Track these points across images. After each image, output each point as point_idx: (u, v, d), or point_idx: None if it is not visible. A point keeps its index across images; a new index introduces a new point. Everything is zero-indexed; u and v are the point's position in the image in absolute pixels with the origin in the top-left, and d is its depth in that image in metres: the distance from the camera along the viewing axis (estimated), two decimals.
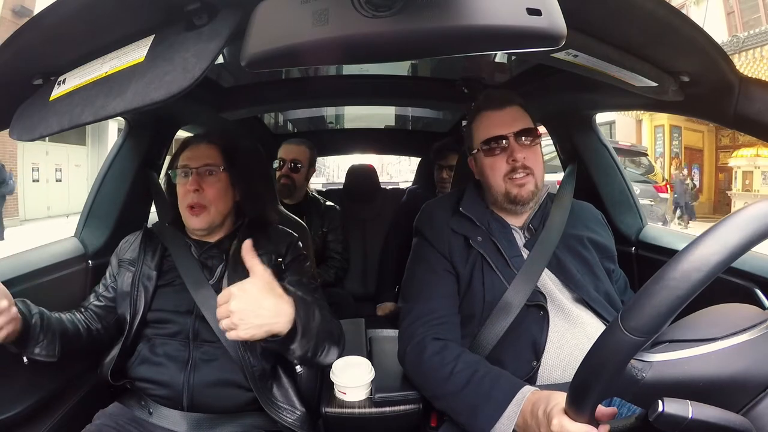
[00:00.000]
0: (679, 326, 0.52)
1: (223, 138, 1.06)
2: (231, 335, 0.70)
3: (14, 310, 0.79)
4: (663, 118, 10.99)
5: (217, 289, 0.96)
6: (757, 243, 0.42)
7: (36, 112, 0.64)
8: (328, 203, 2.03)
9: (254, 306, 0.70)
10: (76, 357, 1.04)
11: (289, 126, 2.57)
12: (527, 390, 0.74)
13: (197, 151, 1.02)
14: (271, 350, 0.89)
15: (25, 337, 0.83)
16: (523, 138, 0.94)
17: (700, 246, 0.43)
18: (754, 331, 0.49)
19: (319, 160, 2.19)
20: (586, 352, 0.49)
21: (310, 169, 1.96)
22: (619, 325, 0.45)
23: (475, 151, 0.99)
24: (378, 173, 2.53)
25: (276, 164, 1.91)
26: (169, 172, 1.04)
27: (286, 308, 0.74)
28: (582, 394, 0.52)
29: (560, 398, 0.63)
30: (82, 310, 1.01)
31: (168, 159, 1.14)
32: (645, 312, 0.44)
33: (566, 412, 0.58)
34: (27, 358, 0.85)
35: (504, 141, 0.94)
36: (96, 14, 0.56)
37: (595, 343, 0.49)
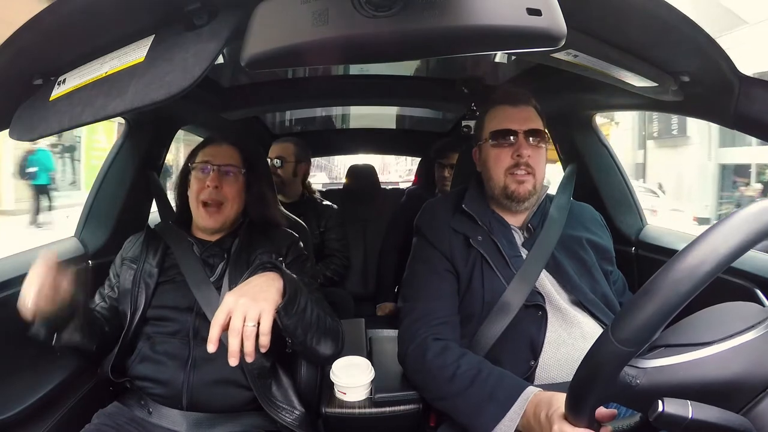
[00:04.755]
0: (675, 330, 0.52)
1: (242, 142, 1.09)
2: (248, 350, 0.69)
3: (68, 291, 0.81)
4: None
5: (218, 287, 0.96)
6: (745, 251, 0.42)
7: (36, 112, 0.64)
8: (325, 202, 2.02)
9: (249, 290, 0.74)
10: (76, 356, 1.04)
11: (290, 126, 2.57)
12: (531, 391, 0.74)
13: (219, 150, 1.04)
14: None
15: (67, 320, 0.85)
16: (532, 138, 0.94)
17: (688, 256, 0.43)
18: (752, 333, 0.49)
19: (327, 158, 2.19)
20: (581, 360, 0.50)
21: (299, 165, 1.93)
22: (609, 336, 0.46)
23: (483, 141, 0.99)
24: (380, 172, 2.53)
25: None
26: (189, 164, 1.05)
27: (275, 280, 0.78)
28: (579, 399, 0.52)
29: (561, 402, 0.63)
30: None
31: (167, 158, 1.14)
32: (634, 324, 0.44)
33: (565, 417, 0.58)
34: (60, 346, 0.86)
35: (513, 136, 0.94)
36: (96, 14, 0.56)
37: (588, 353, 0.49)
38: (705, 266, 0.42)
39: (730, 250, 0.41)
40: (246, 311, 0.70)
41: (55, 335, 0.85)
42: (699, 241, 0.43)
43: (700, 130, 10.97)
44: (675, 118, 11.42)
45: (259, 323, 0.70)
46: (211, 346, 0.68)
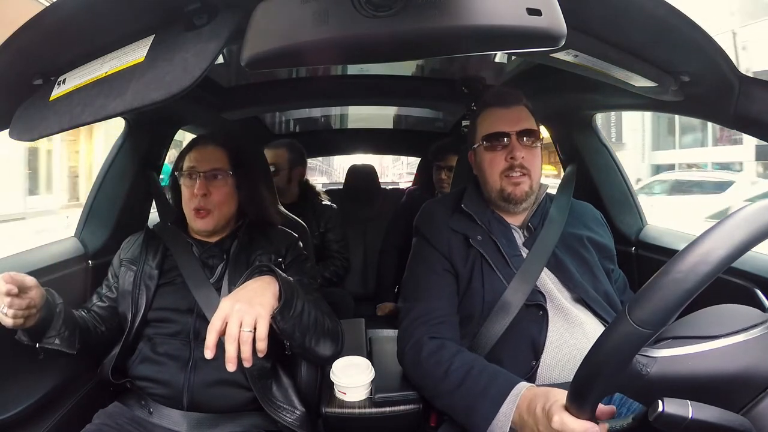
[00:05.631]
0: (682, 323, 0.52)
1: (230, 140, 1.06)
2: (246, 356, 0.68)
3: (39, 293, 0.79)
4: None
5: (218, 288, 0.96)
6: (765, 238, 0.42)
7: (36, 112, 0.64)
8: (325, 202, 2.01)
9: (244, 295, 0.74)
10: (76, 357, 1.04)
11: (290, 126, 2.57)
12: (523, 386, 0.74)
13: (204, 154, 1.02)
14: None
15: (47, 325, 0.84)
16: (525, 138, 0.94)
17: (708, 239, 0.43)
18: (757, 330, 0.49)
19: (324, 160, 2.17)
20: (591, 346, 0.49)
21: (294, 170, 1.91)
22: (626, 316, 0.45)
23: (477, 145, 0.99)
24: (379, 174, 2.53)
25: None
26: (176, 173, 1.04)
27: (270, 283, 0.77)
28: (585, 389, 0.51)
29: (559, 395, 0.62)
30: (85, 311, 1.00)
31: (169, 157, 1.13)
32: (653, 304, 0.44)
33: (567, 409, 0.57)
34: (44, 349, 0.85)
35: (506, 138, 0.94)
36: (96, 14, 0.56)
37: (601, 336, 0.48)
38: (722, 251, 0.42)
39: (749, 235, 0.42)
40: (242, 317, 0.69)
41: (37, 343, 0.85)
42: (720, 224, 0.43)
43: (634, 137, 12.89)
44: (613, 128, 13.12)
45: (255, 328, 0.70)
46: (209, 353, 0.67)
